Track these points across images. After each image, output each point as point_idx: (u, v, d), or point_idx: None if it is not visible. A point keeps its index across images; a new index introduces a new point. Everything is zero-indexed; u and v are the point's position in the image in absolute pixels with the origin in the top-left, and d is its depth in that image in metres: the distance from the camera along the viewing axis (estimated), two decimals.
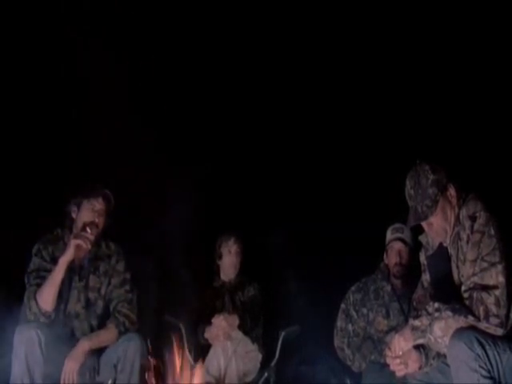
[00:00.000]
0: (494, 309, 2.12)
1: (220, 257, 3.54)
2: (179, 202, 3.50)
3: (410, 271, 3.21)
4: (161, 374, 2.68)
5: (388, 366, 2.35)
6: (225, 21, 3.96)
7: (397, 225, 3.33)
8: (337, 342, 3.34)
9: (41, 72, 3.78)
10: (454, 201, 2.38)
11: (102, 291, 2.86)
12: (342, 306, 3.38)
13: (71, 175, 3.67)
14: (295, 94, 4.12)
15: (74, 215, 2.88)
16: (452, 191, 2.38)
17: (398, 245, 3.28)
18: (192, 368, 2.74)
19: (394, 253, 3.29)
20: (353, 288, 3.39)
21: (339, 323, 3.36)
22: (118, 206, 2.93)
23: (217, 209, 3.99)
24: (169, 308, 3.41)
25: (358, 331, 3.29)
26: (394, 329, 3.14)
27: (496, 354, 2.09)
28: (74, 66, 3.71)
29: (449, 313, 2.16)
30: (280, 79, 4.07)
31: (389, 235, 3.36)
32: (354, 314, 3.33)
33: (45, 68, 3.78)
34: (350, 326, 3.32)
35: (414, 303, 2.64)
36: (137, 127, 3.66)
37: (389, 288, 3.29)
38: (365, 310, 3.30)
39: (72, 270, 2.79)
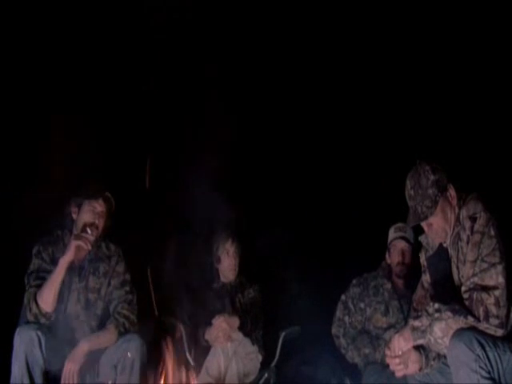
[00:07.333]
0: (493, 309, 2.12)
1: (218, 260, 3.50)
2: (179, 203, 3.49)
3: (412, 271, 3.20)
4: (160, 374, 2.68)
5: (389, 366, 2.35)
6: (221, 18, 3.95)
7: (400, 224, 3.31)
8: (333, 331, 3.35)
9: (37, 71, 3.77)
10: (454, 201, 2.38)
11: (102, 292, 2.87)
12: (342, 297, 3.38)
13: (72, 176, 3.67)
14: (294, 97, 4.12)
15: (74, 216, 2.88)
16: (452, 192, 2.38)
17: (401, 244, 3.27)
18: (191, 369, 2.74)
19: (397, 252, 3.28)
20: (354, 281, 3.40)
21: (338, 313, 3.37)
22: (118, 206, 2.94)
23: (217, 209, 3.98)
24: (169, 309, 3.40)
25: (355, 324, 3.30)
26: (392, 326, 3.14)
27: (496, 354, 2.09)
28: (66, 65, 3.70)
29: (449, 313, 2.16)
30: (277, 84, 4.07)
31: (391, 234, 3.35)
32: (351, 307, 3.33)
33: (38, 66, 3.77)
34: (347, 318, 3.33)
35: (414, 304, 2.64)
36: (135, 128, 3.67)
37: (389, 286, 3.28)
38: (362, 305, 3.30)
39: (72, 270, 2.79)
